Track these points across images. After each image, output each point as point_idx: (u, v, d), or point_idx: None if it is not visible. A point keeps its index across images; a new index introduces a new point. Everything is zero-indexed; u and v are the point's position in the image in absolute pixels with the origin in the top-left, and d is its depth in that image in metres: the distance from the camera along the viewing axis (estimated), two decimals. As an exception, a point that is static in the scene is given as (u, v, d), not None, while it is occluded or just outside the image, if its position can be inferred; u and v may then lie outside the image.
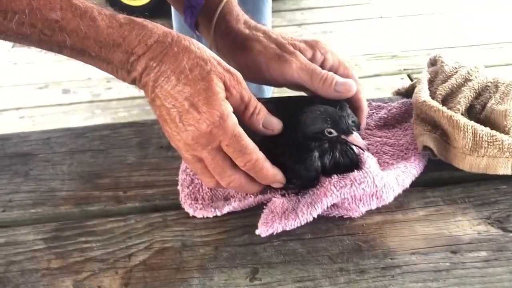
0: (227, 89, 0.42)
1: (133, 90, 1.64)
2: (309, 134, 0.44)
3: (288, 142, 0.45)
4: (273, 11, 0.99)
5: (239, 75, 0.43)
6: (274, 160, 0.44)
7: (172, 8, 0.87)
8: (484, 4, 2.41)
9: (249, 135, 0.42)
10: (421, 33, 2.21)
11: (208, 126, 0.40)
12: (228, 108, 0.41)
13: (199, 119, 0.40)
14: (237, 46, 0.52)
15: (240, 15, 0.55)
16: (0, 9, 0.39)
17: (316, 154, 0.44)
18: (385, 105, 0.59)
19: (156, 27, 0.42)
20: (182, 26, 0.72)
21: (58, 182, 0.53)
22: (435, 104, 0.50)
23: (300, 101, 0.50)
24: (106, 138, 0.59)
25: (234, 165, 0.43)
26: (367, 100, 0.61)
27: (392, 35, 2.23)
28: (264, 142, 0.44)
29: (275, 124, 0.45)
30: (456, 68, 0.56)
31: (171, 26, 0.74)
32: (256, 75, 0.51)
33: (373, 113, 0.58)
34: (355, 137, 0.43)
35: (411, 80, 1.90)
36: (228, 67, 0.43)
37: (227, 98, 0.42)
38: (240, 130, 0.41)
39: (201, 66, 0.41)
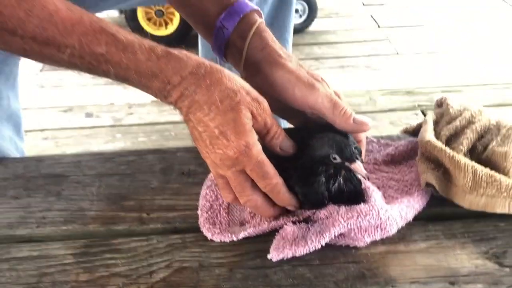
0: (253, 117, 0.47)
1: (153, 117, 1.69)
2: (316, 158, 0.49)
3: (297, 166, 0.49)
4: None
5: (265, 103, 0.49)
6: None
7: (199, 38, 0.92)
8: (498, 45, 2.46)
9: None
10: (436, 70, 2.25)
11: (235, 153, 0.45)
12: (254, 137, 0.46)
13: (227, 146, 0.45)
14: (269, 62, 0.55)
15: (273, 37, 0.58)
16: (54, 43, 0.44)
17: (323, 178, 0.49)
18: (393, 142, 0.63)
19: (190, 58, 0.47)
20: (208, 51, 0.77)
21: (87, 203, 0.57)
22: (439, 144, 0.53)
23: (310, 130, 0.54)
24: (132, 163, 0.64)
25: (253, 187, 0.48)
26: (377, 137, 0.66)
27: (408, 71, 2.27)
28: (276, 166, 0.49)
29: (291, 147, 0.51)
30: (460, 110, 0.60)
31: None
32: (280, 93, 0.54)
33: (381, 149, 0.62)
34: (358, 165, 0.47)
35: (425, 116, 1.94)
36: (256, 95, 0.48)
37: (253, 125, 0.46)
38: (263, 157, 0.47)
39: (231, 97, 0.46)
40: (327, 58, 2.42)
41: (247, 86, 0.48)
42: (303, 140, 0.51)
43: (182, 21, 2.43)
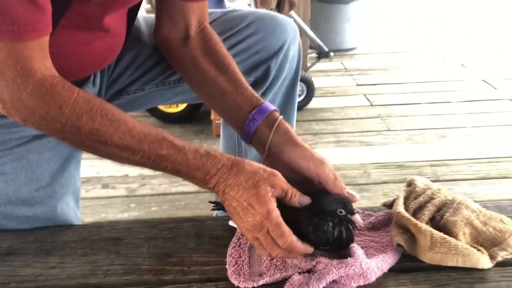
0: (272, 187, 0.65)
1: (164, 188, 1.87)
2: (327, 210, 0.67)
3: (310, 216, 0.67)
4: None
5: (279, 174, 0.67)
6: (299, 230, 0.66)
7: (222, 131, 1.13)
8: (481, 124, 2.65)
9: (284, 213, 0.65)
10: (425, 145, 2.44)
11: (260, 218, 0.64)
12: (273, 205, 0.64)
13: (254, 214, 0.64)
14: (291, 142, 0.76)
15: (291, 127, 0.80)
16: (131, 149, 0.65)
17: (330, 224, 0.67)
18: (374, 213, 0.81)
19: (222, 155, 0.68)
20: (228, 138, 0.97)
21: (140, 259, 0.75)
22: (406, 214, 0.72)
23: (316, 192, 0.73)
24: (172, 229, 0.82)
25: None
26: (362, 208, 0.84)
27: (398, 146, 2.45)
28: (293, 219, 0.67)
29: (306, 201, 0.69)
30: (424, 189, 0.79)
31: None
32: (297, 164, 0.74)
33: (365, 218, 0.80)
34: (357, 217, 0.67)
35: None
36: (271, 170, 0.67)
37: (273, 193, 0.65)
38: (280, 220, 0.65)
39: (252, 178, 0.65)
40: (324, 134, 2.61)
41: (262, 166, 0.68)
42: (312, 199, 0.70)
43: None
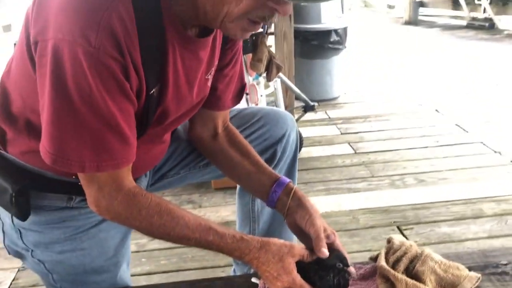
0: (293, 256, 0.90)
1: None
2: (329, 265, 0.90)
3: (317, 269, 0.90)
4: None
5: (296, 245, 0.91)
6: (309, 279, 0.90)
7: (237, 200, 1.39)
8: (456, 169, 2.87)
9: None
10: (407, 190, 2.65)
11: (287, 284, 0.87)
12: (295, 272, 0.88)
13: (282, 281, 0.88)
14: (302, 207, 1.02)
15: (304, 194, 1.05)
16: (187, 237, 0.89)
17: (332, 274, 0.90)
18: (364, 266, 1.05)
19: (253, 239, 0.91)
20: (243, 208, 1.23)
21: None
22: (387, 267, 0.96)
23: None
24: (209, 287, 1.04)
25: None
26: (355, 263, 1.08)
27: (382, 192, 2.65)
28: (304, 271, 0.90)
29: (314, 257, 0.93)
30: (400, 246, 1.03)
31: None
32: (307, 221, 0.98)
33: (357, 270, 1.03)
34: (351, 269, 0.90)
35: (401, 231, 2.26)
36: (290, 244, 0.91)
37: (294, 261, 0.88)
38: (303, 282, 0.88)
39: (278, 254, 0.89)
40: (314, 183, 2.80)
41: (284, 242, 0.91)
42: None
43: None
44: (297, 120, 3.46)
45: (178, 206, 0.91)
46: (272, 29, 4.30)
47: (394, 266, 0.98)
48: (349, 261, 0.96)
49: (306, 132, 3.50)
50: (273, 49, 3.67)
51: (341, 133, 3.55)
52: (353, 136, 3.47)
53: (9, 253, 1.06)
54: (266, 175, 1.08)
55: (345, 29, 4.07)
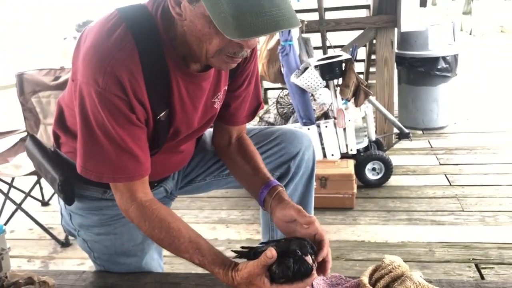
0: (259, 274, 0.95)
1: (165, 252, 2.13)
2: (289, 251, 0.94)
3: (280, 255, 0.95)
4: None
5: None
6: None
7: (261, 210, 1.50)
8: None
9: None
10: (496, 228, 2.48)
11: None
12: (265, 280, 0.94)
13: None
14: (281, 203, 1.11)
15: (286, 193, 1.15)
16: (184, 251, 1.04)
17: (292, 260, 0.93)
18: (350, 280, 1.10)
19: (226, 267, 1.01)
20: (264, 215, 1.35)
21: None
22: (366, 283, 1.01)
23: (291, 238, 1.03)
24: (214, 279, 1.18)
25: None
26: (349, 277, 1.13)
27: (469, 226, 2.51)
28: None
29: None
30: (388, 264, 1.06)
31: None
32: (288, 213, 1.07)
33: (345, 283, 1.09)
34: (308, 258, 0.94)
35: (478, 269, 2.13)
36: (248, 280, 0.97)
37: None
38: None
39: (247, 278, 0.96)
40: (397, 211, 2.75)
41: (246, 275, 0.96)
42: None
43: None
44: (390, 147, 3.43)
45: (180, 223, 1.06)
46: (373, 56, 4.31)
47: (375, 283, 1.02)
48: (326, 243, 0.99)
49: (401, 160, 3.45)
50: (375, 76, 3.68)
51: (440, 164, 3.41)
52: (452, 168, 3.32)
53: (65, 232, 1.33)
54: (260, 178, 1.19)
55: (455, 56, 3.92)
